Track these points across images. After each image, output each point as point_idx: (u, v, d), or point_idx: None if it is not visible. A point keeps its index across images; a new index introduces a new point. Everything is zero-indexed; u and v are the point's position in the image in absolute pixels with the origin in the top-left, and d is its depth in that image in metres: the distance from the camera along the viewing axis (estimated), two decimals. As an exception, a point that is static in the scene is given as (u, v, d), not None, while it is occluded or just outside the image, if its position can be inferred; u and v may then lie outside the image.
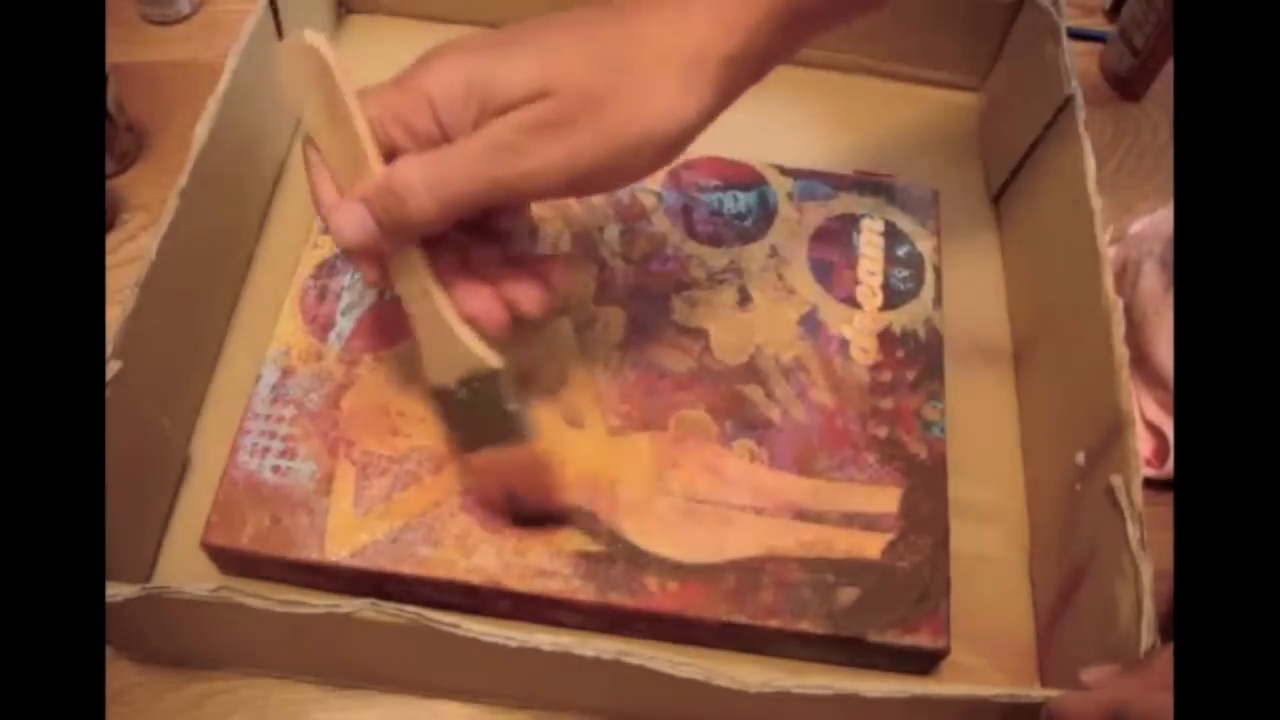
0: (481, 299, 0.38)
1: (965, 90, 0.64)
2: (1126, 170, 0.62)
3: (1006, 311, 0.55)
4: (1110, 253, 0.45)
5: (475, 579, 0.42)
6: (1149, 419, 0.51)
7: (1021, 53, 0.58)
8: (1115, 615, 0.38)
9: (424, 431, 0.45)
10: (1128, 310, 0.49)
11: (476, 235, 0.39)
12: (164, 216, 0.43)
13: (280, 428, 0.45)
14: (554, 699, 0.43)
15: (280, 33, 0.53)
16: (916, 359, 0.49)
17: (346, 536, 0.43)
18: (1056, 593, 0.44)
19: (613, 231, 0.52)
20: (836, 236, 0.53)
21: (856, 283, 0.51)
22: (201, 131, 0.45)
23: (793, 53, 0.37)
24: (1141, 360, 0.51)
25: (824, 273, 0.52)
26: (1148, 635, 0.36)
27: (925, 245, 0.53)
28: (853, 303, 0.51)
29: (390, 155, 0.36)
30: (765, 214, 0.53)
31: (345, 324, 0.48)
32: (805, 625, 0.42)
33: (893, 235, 0.53)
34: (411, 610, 0.35)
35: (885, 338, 0.50)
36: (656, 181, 0.54)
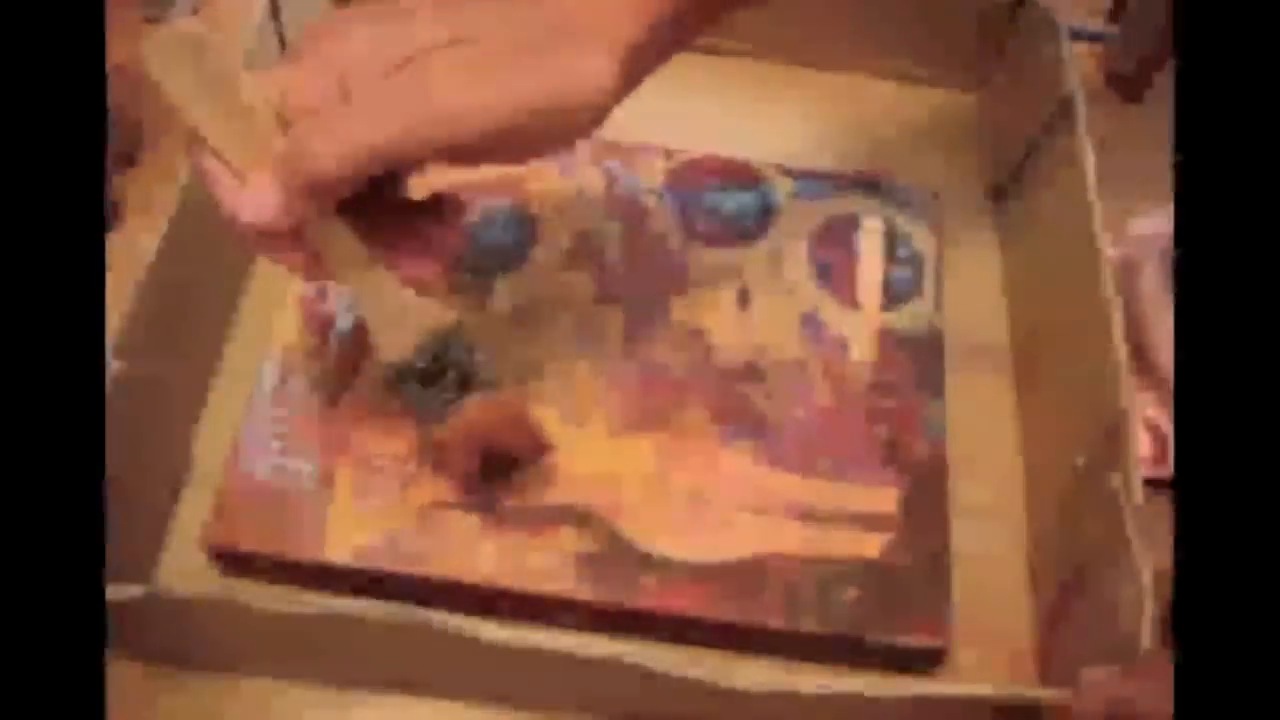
0: (414, 256, 0.37)
1: (965, 90, 0.64)
2: (1126, 170, 0.62)
3: (1006, 311, 0.55)
4: (1110, 253, 0.45)
5: (475, 579, 0.42)
6: (1149, 419, 0.51)
7: (1021, 53, 0.58)
8: (1115, 615, 0.38)
9: (424, 431, 0.45)
10: (1128, 310, 0.49)
11: (381, 195, 0.36)
12: (164, 216, 0.43)
13: (280, 428, 0.45)
14: (554, 699, 0.43)
15: (280, 34, 0.53)
16: (916, 359, 0.49)
17: (346, 536, 0.43)
18: (1056, 593, 0.44)
19: (613, 231, 0.52)
20: (836, 236, 0.53)
21: (856, 283, 0.51)
22: (201, 131, 0.45)
23: (697, 36, 0.37)
24: (1141, 360, 0.51)
25: (824, 273, 0.52)
26: (1148, 635, 0.36)
27: (925, 245, 0.53)
28: (853, 303, 0.51)
29: None
30: (765, 214, 0.53)
31: (345, 324, 0.48)
32: (805, 625, 0.42)
33: (893, 235, 0.53)
34: (411, 610, 0.35)
35: (885, 338, 0.50)
36: (656, 181, 0.54)
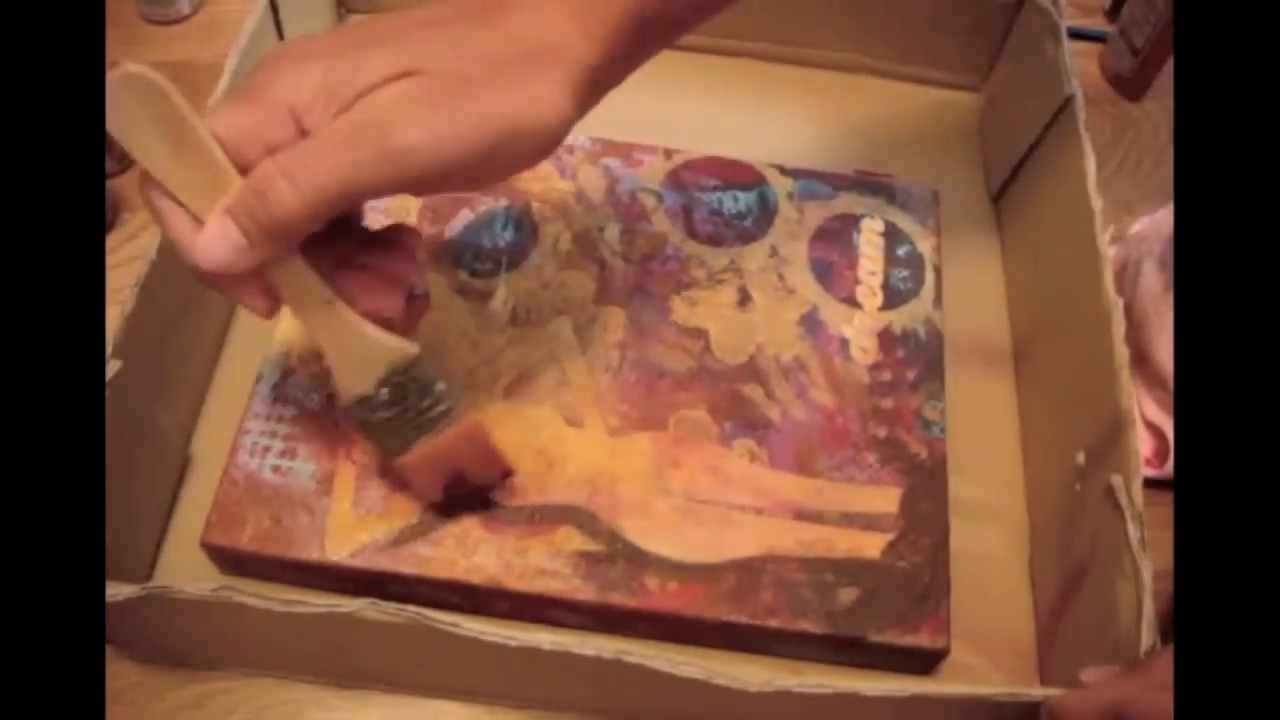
0: (372, 290, 0.36)
1: (965, 90, 0.64)
2: (1126, 170, 0.62)
3: (1006, 311, 0.55)
4: (1110, 253, 0.45)
5: (475, 579, 0.42)
6: (1149, 419, 0.51)
7: (1021, 53, 0.58)
8: (1115, 615, 0.38)
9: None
10: (1128, 310, 0.49)
11: (338, 229, 0.35)
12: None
13: (280, 427, 0.45)
14: (554, 699, 0.43)
15: (280, 33, 0.53)
16: (916, 359, 0.49)
17: (346, 536, 0.43)
18: (1056, 593, 0.44)
19: (613, 231, 0.52)
20: (836, 236, 0.53)
21: (856, 282, 0.51)
22: (201, 131, 0.45)
23: (647, 58, 0.37)
24: (1141, 360, 0.51)
25: (824, 272, 0.52)
26: (1148, 635, 0.36)
27: (925, 245, 0.53)
28: (853, 302, 0.51)
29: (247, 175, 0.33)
30: (765, 214, 0.53)
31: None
32: (805, 625, 0.42)
33: (893, 235, 0.53)
34: (411, 610, 0.35)
35: (885, 337, 0.50)
36: (656, 181, 0.54)
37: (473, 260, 0.50)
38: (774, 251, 0.52)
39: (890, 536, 0.44)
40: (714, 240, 0.52)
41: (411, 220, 0.51)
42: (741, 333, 0.49)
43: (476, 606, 0.43)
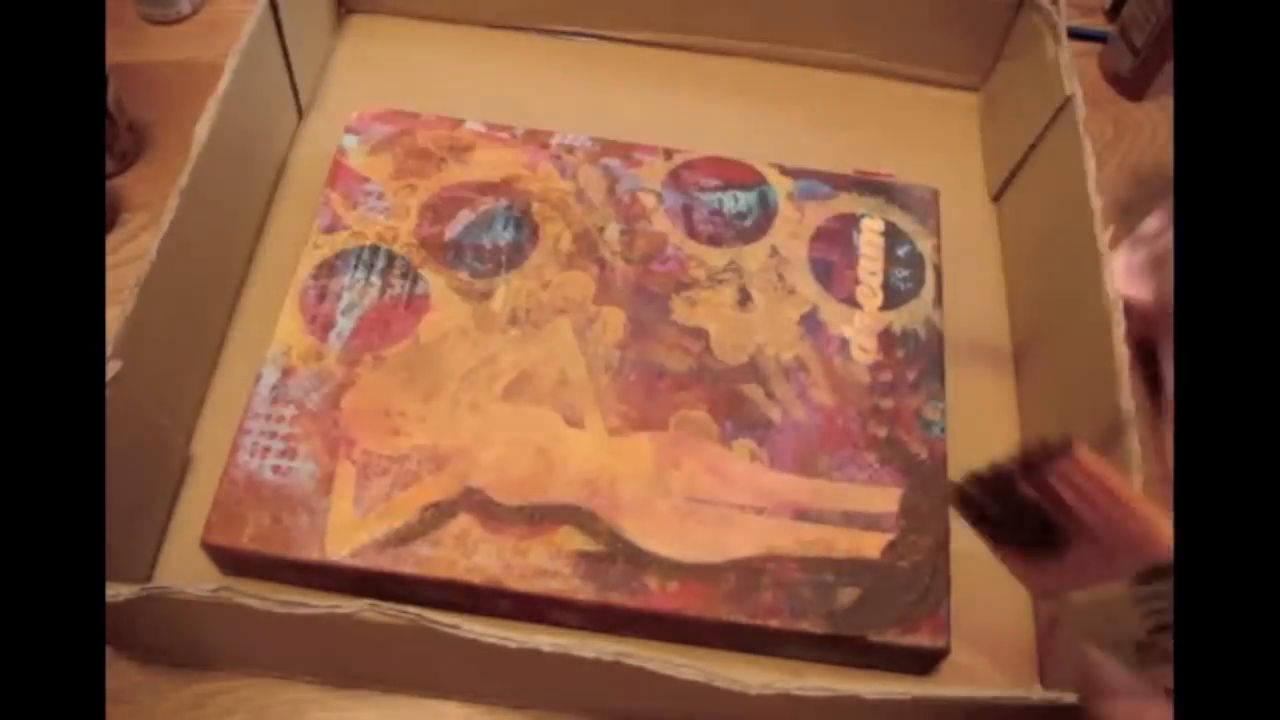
0: None
1: (965, 90, 0.64)
2: (1126, 170, 0.62)
3: (1006, 311, 0.55)
4: (1110, 253, 0.45)
5: (475, 579, 0.42)
6: (1148, 419, 0.51)
7: (1021, 53, 0.58)
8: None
9: (424, 431, 0.45)
10: (1128, 312, 0.48)
11: None
12: (164, 216, 0.43)
13: (280, 428, 0.45)
14: (554, 699, 0.43)
15: (280, 33, 0.53)
16: (916, 359, 0.49)
17: (346, 536, 0.43)
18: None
19: (613, 231, 0.52)
20: (836, 236, 0.53)
21: (856, 283, 0.51)
22: (201, 131, 0.45)
23: None
24: (1141, 361, 0.51)
25: (824, 272, 0.52)
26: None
27: (925, 245, 0.53)
28: (853, 302, 0.51)
29: None
30: (765, 214, 0.53)
31: (345, 324, 0.48)
32: (805, 625, 0.42)
33: (893, 235, 0.53)
34: (411, 610, 0.35)
35: (885, 337, 0.50)
36: (656, 181, 0.54)
37: (473, 260, 0.50)
38: (774, 251, 0.52)
39: (890, 536, 0.44)
40: (714, 240, 0.52)
41: (412, 220, 0.51)
42: (741, 333, 0.49)
43: (476, 606, 0.43)
